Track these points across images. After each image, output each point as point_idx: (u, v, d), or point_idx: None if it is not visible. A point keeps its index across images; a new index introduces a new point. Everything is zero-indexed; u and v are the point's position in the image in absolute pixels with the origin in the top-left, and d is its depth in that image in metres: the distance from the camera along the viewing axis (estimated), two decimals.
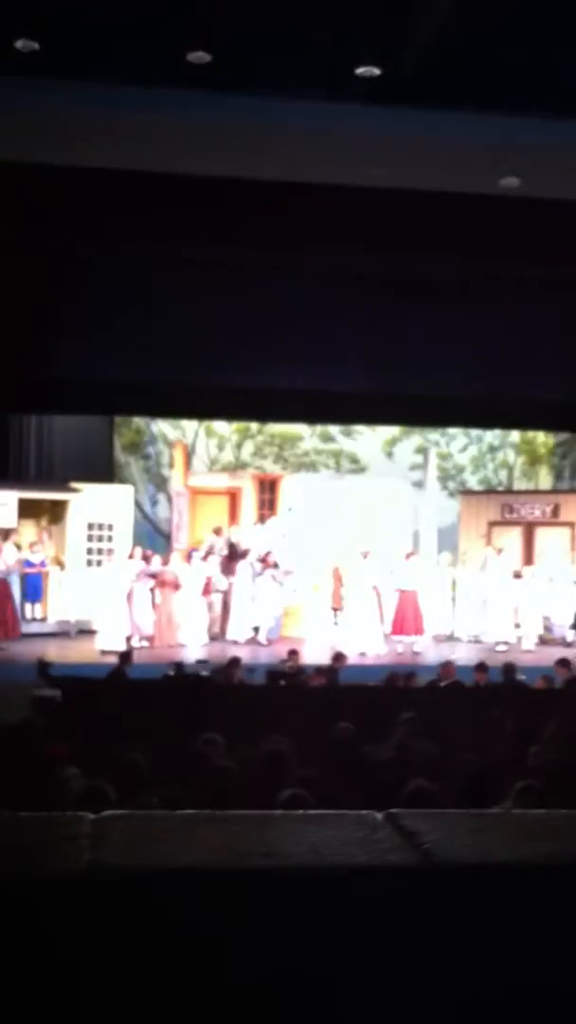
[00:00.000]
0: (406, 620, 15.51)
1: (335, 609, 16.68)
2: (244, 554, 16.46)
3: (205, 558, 16.24)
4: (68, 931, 1.49)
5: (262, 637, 15.86)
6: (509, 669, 11.26)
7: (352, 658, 13.35)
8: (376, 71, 9.91)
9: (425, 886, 1.55)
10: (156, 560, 15.82)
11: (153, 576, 15.48)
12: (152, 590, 15.42)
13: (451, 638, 16.38)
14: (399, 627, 15.54)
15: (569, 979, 1.53)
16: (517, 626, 16.04)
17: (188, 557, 16.25)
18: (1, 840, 1.69)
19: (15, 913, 1.50)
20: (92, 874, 1.54)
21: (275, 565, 16.19)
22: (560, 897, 1.57)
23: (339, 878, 1.54)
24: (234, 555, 16.54)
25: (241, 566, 16.16)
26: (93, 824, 1.75)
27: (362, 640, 15.28)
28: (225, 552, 16.73)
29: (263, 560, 16.18)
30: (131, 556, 15.71)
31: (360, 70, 9.93)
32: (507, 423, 16.98)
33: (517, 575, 16.18)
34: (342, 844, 1.63)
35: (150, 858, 1.61)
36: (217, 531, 17.35)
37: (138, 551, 15.87)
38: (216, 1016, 1.51)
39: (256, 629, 15.98)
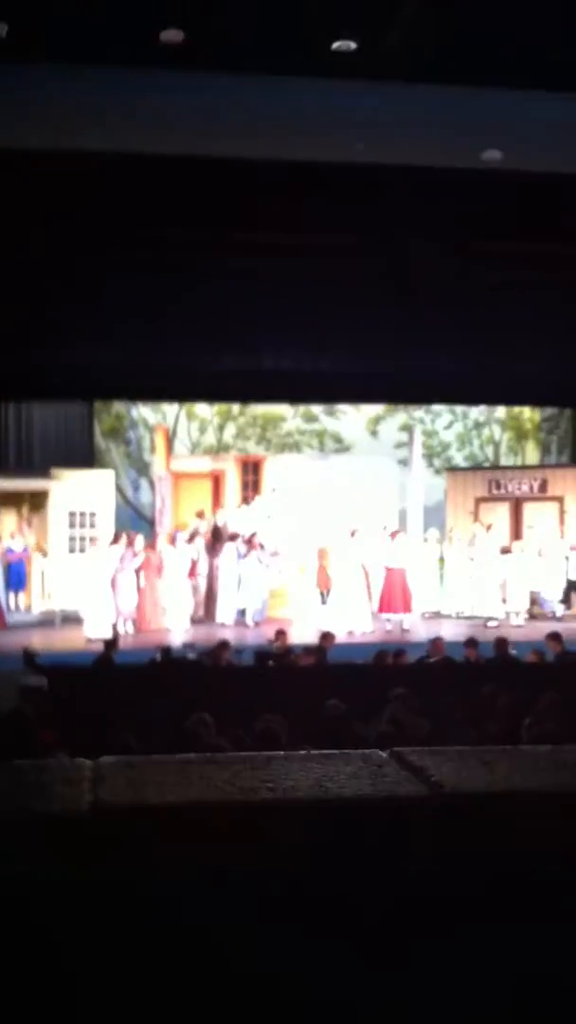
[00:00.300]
0: (394, 598, 15.48)
1: (322, 590, 16.65)
2: (231, 537, 16.40)
3: (190, 540, 16.19)
4: (73, 869, 1.46)
5: (249, 619, 15.83)
6: (501, 644, 11.24)
7: (340, 637, 13.33)
8: (353, 45, 9.84)
9: (436, 815, 1.52)
10: (139, 542, 15.74)
11: (138, 560, 15.43)
12: (137, 572, 15.36)
13: (439, 615, 16.38)
14: (387, 605, 15.52)
15: None
16: (504, 601, 16.06)
17: (172, 540, 16.19)
18: (2, 785, 1.65)
19: (18, 852, 1.46)
20: (95, 812, 1.51)
21: (260, 546, 16.16)
22: (571, 824, 1.54)
23: (347, 810, 1.51)
24: (219, 537, 16.49)
25: (226, 548, 16.12)
26: (93, 768, 1.71)
27: (351, 619, 15.28)
28: (209, 535, 16.68)
29: (248, 542, 16.14)
30: (114, 541, 15.64)
31: (336, 44, 9.85)
32: (494, 399, 16.95)
33: (505, 550, 16.19)
34: (348, 778, 1.60)
35: (153, 796, 1.57)
36: (200, 514, 17.29)
37: (123, 536, 15.80)
38: (225, 948, 1.47)
39: (243, 611, 15.94)
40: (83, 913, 1.48)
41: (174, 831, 1.51)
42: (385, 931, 1.50)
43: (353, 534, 15.89)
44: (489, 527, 16.56)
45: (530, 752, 1.78)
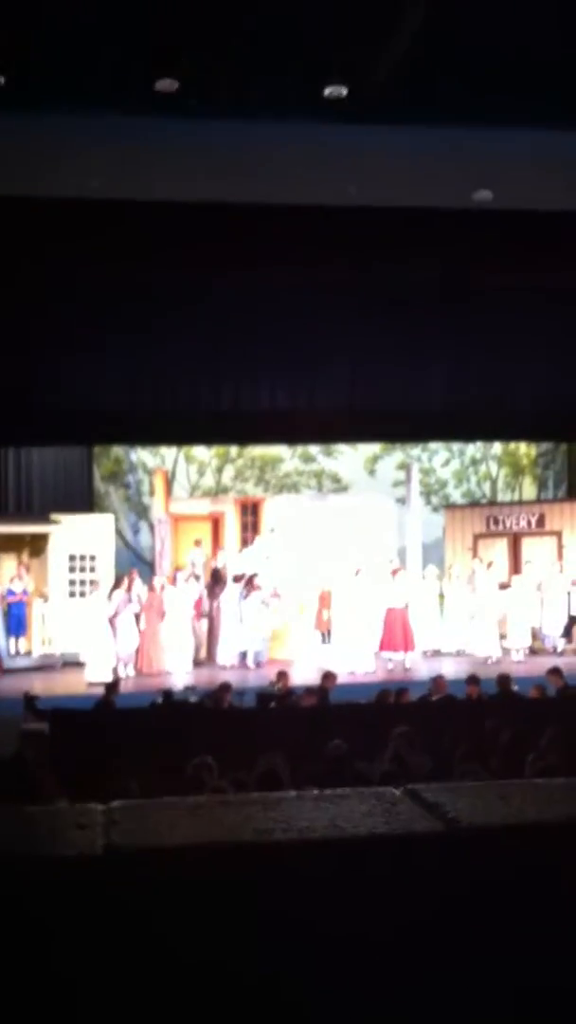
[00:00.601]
0: (395, 636, 15.43)
1: (323, 630, 16.61)
2: (233, 578, 16.38)
3: (188, 579, 16.17)
4: (87, 912, 1.45)
5: (250, 661, 15.76)
6: (504, 680, 11.20)
7: (342, 677, 13.27)
8: (344, 90, 9.99)
9: (454, 851, 1.51)
10: (138, 584, 15.73)
11: (136, 603, 15.40)
12: (137, 615, 15.32)
13: (440, 653, 16.32)
14: (388, 644, 15.47)
15: None
16: (503, 637, 16.02)
17: (173, 580, 16.16)
18: (15, 830, 1.64)
19: (32, 896, 1.45)
20: (108, 856, 1.50)
21: (260, 588, 16.12)
22: None
23: (363, 848, 1.50)
24: (219, 579, 16.47)
25: (227, 590, 16.09)
26: (105, 813, 1.70)
27: (354, 659, 15.21)
28: (209, 577, 16.67)
29: (248, 583, 16.12)
30: (115, 586, 15.60)
31: (328, 90, 10.01)
32: (490, 435, 17.04)
33: (504, 586, 16.16)
34: (363, 817, 1.59)
35: (166, 839, 1.56)
36: (198, 542, 17.34)
37: (123, 580, 15.79)
38: (243, 990, 1.46)
39: (244, 653, 15.88)
40: (99, 956, 1.47)
41: (188, 873, 1.50)
42: (406, 969, 1.48)
43: (357, 572, 15.86)
44: (490, 564, 16.56)
45: (545, 786, 1.78)
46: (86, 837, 1.58)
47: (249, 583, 16.11)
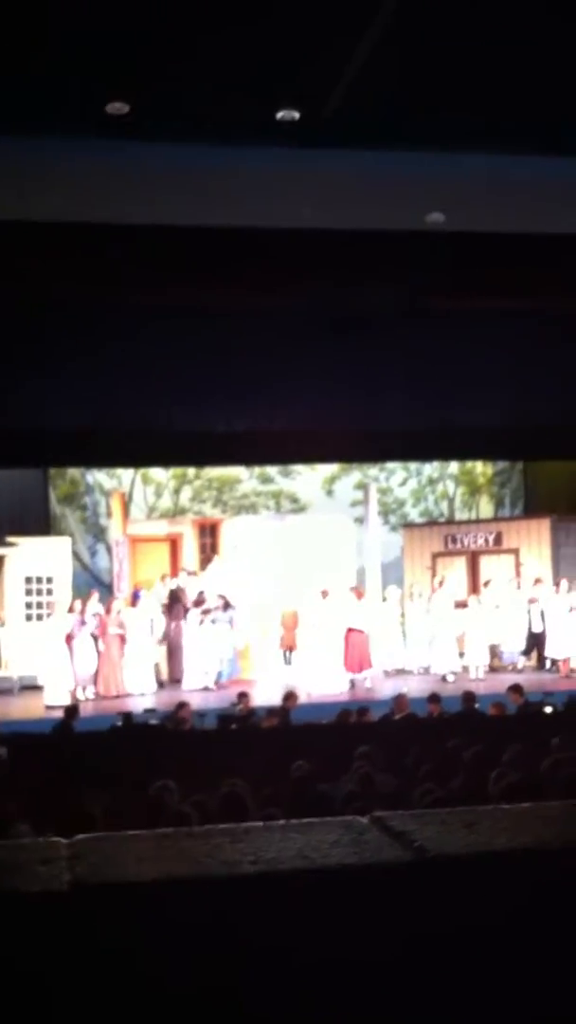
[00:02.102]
0: (354, 657, 15.49)
1: (286, 649, 16.58)
2: (192, 600, 16.32)
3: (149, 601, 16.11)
4: (52, 951, 1.42)
5: (210, 682, 15.67)
6: (468, 698, 11.26)
7: (305, 697, 13.26)
8: (296, 115, 10.05)
9: (422, 880, 1.51)
10: (94, 603, 15.62)
11: (93, 623, 15.30)
12: (95, 637, 15.21)
13: (403, 671, 16.36)
14: (352, 665, 15.52)
15: (570, 960, 1.49)
16: (461, 655, 16.09)
17: (133, 601, 16.07)
18: None
19: None
20: (74, 891, 1.48)
21: (221, 608, 16.06)
22: (558, 881, 1.54)
23: (332, 879, 1.49)
24: (177, 600, 16.40)
25: (187, 612, 16.03)
26: (69, 847, 1.68)
27: (320, 679, 15.18)
28: (167, 598, 16.60)
29: (198, 603, 16.08)
30: (70, 610, 15.49)
31: (280, 114, 10.06)
32: (447, 454, 17.15)
33: (461, 604, 16.24)
34: (331, 847, 1.58)
35: (132, 873, 1.54)
36: (163, 579, 17.27)
37: (77, 604, 15.67)
38: (213, 1018, 1.44)
39: (208, 673, 15.79)
40: (65, 993, 1.44)
41: (156, 908, 1.49)
42: (377, 999, 1.47)
43: (325, 595, 15.82)
44: (442, 581, 16.65)
45: (512, 811, 1.78)
46: (50, 873, 1.56)
47: (199, 603, 16.07)
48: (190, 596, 16.53)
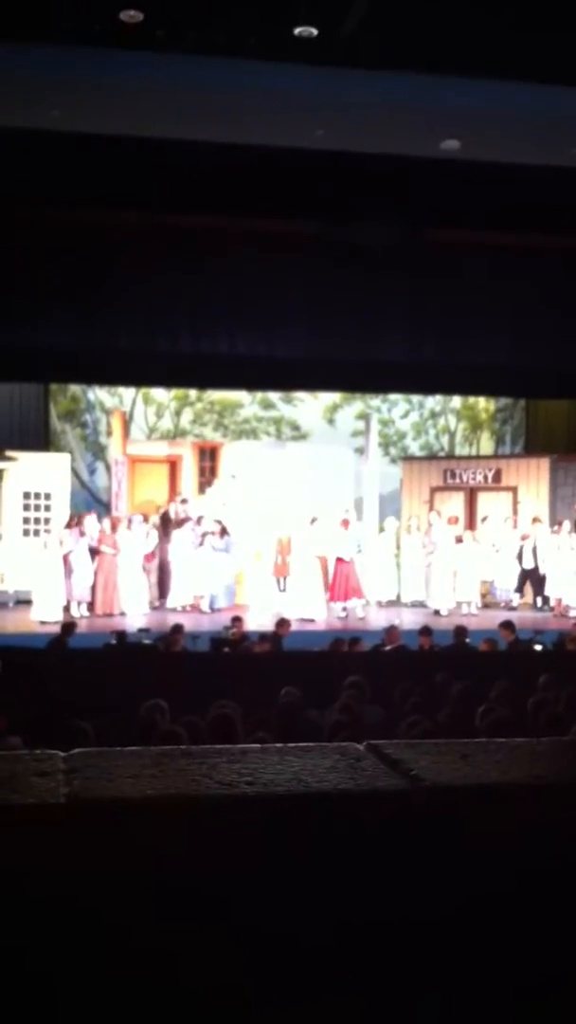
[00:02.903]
0: (340, 586, 15.60)
1: (280, 577, 16.66)
2: (186, 522, 16.34)
3: (145, 523, 16.14)
4: (47, 864, 1.44)
5: (205, 605, 15.77)
6: (460, 632, 11.33)
7: (296, 625, 13.35)
8: (314, 31, 9.78)
9: (416, 809, 1.52)
10: (91, 522, 15.65)
11: (88, 541, 15.34)
12: (92, 555, 15.26)
13: (396, 603, 16.47)
14: (337, 593, 15.63)
15: (560, 891, 1.51)
16: (455, 590, 16.18)
17: (129, 524, 16.10)
18: None
19: None
20: (71, 805, 1.48)
21: (218, 533, 16.09)
22: (549, 815, 1.56)
23: (328, 804, 1.50)
24: (173, 522, 16.43)
25: (181, 533, 16.06)
26: (66, 760, 1.69)
27: (308, 606, 15.31)
28: (162, 520, 16.63)
29: (203, 525, 16.14)
30: (69, 525, 15.54)
31: (298, 30, 9.79)
32: (448, 388, 17.06)
33: (458, 539, 16.29)
34: (327, 772, 1.59)
35: (129, 789, 1.55)
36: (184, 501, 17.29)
37: (77, 518, 15.74)
38: (206, 943, 1.46)
39: (202, 597, 15.88)
40: (61, 907, 1.46)
41: (153, 824, 1.50)
42: (369, 926, 1.50)
43: (313, 522, 15.90)
44: (456, 519, 16.70)
45: (506, 745, 1.79)
46: (47, 785, 1.57)
47: (204, 526, 16.11)
48: (188, 517, 16.54)
